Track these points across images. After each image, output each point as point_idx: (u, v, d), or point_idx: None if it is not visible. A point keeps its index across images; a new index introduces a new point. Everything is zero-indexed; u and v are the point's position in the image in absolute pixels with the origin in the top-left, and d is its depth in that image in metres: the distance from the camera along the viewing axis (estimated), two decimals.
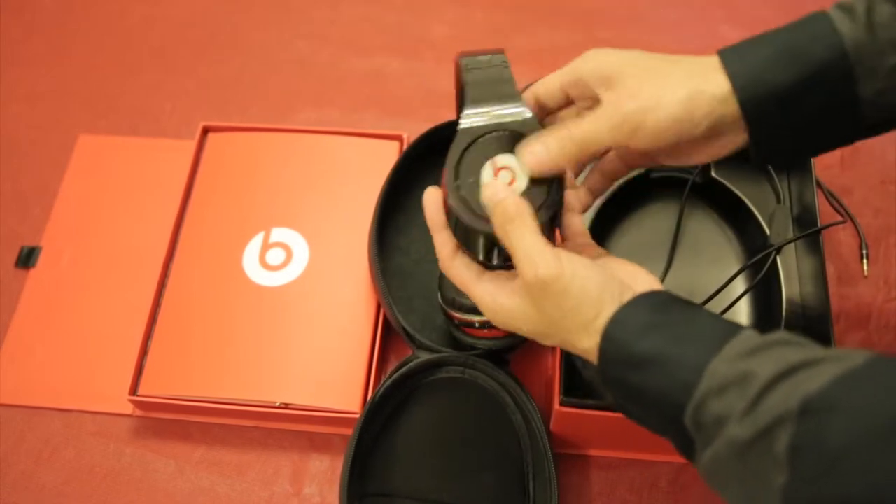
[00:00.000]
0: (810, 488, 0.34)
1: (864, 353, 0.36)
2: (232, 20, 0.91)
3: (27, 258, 0.77)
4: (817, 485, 0.33)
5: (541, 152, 0.45)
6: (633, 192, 0.72)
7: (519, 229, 0.43)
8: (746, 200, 0.70)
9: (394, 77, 0.86)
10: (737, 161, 0.70)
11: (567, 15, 0.89)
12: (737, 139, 0.46)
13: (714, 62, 0.45)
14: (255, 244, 0.72)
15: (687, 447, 0.41)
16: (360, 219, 0.73)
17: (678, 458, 0.65)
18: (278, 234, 0.73)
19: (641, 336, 0.42)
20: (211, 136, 0.79)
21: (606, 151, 0.53)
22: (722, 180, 0.71)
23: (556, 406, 0.59)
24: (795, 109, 0.44)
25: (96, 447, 0.68)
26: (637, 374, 0.42)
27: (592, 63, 0.47)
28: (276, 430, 0.68)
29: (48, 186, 0.81)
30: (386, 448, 0.63)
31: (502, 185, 0.45)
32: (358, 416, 0.64)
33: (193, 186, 0.76)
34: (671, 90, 0.44)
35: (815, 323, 0.64)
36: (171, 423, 0.69)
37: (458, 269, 0.48)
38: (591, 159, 0.51)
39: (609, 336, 0.42)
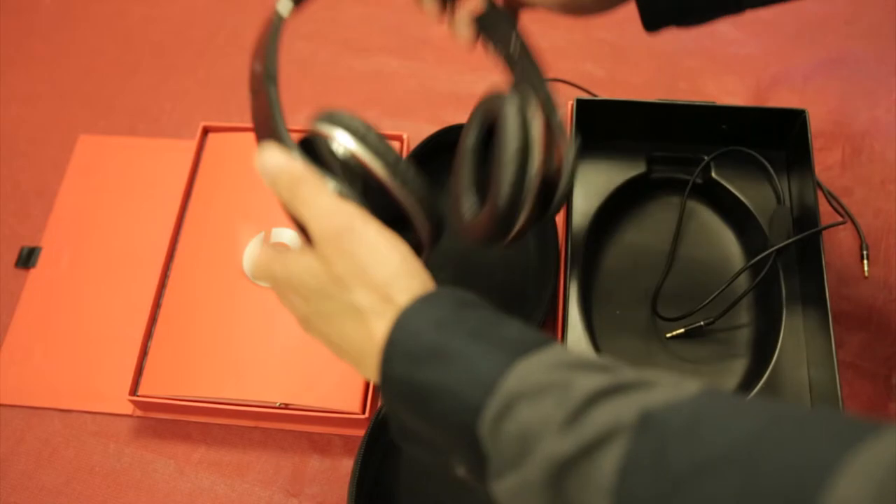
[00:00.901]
0: None
1: (699, 384, 0.33)
2: (232, 20, 0.91)
3: (27, 258, 0.77)
4: None
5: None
6: (633, 192, 0.72)
7: (311, 187, 0.42)
8: (746, 201, 0.70)
9: (394, 77, 0.86)
10: (737, 162, 0.71)
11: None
12: None
13: None
14: (255, 244, 0.72)
15: (477, 465, 0.35)
16: None
17: None
18: (278, 234, 0.73)
19: (439, 328, 0.36)
20: (211, 136, 0.79)
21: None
22: (722, 181, 0.71)
23: None
24: None
25: (96, 447, 0.68)
26: (425, 370, 0.35)
27: None
28: (276, 430, 0.68)
29: (48, 186, 0.81)
30: (389, 479, 0.62)
31: (279, 152, 0.44)
32: (358, 415, 0.64)
33: (193, 186, 0.76)
34: None
35: (815, 324, 0.64)
36: (171, 423, 0.69)
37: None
38: None
39: (401, 324, 0.37)
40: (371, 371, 0.39)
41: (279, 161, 0.44)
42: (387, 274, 0.40)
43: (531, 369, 0.34)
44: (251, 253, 0.48)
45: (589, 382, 0.32)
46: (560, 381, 0.33)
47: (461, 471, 0.37)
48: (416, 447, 0.40)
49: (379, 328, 0.39)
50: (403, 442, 0.40)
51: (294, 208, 0.43)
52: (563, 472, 0.31)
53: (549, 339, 0.37)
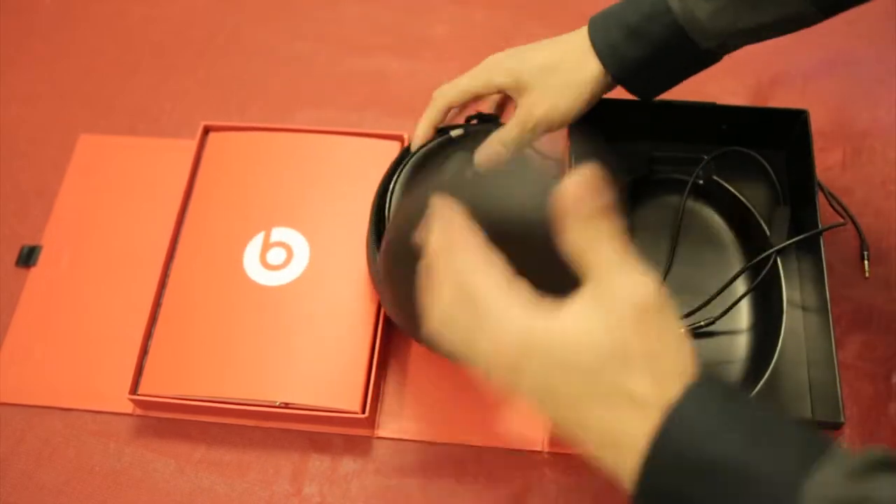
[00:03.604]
0: None
1: None
2: (232, 20, 0.91)
3: (27, 258, 0.77)
4: None
5: (500, 151, 0.63)
6: (634, 193, 0.72)
7: (608, 227, 0.35)
8: (746, 201, 0.70)
9: (394, 77, 0.86)
10: (737, 162, 0.71)
11: (567, 15, 0.88)
12: (608, 89, 0.63)
13: (586, 47, 0.61)
14: (255, 244, 0.72)
15: None
16: (360, 218, 0.73)
17: None
18: (279, 233, 0.73)
19: (712, 438, 0.32)
20: (211, 135, 0.79)
21: None
22: (722, 181, 0.71)
23: None
24: (654, 68, 0.60)
25: (96, 447, 0.68)
26: (702, 487, 0.32)
27: (503, 72, 0.63)
28: (276, 430, 0.68)
29: (48, 186, 0.81)
30: None
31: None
32: (358, 415, 0.64)
33: (193, 186, 0.76)
34: (562, 94, 0.62)
35: (815, 324, 0.64)
36: (171, 423, 0.69)
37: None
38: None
39: (664, 433, 0.32)
40: (621, 468, 0.34)
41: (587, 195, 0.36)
42: (679, 365, 0.34)
43: (826, 484, 0.30)
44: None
45: (882, 496, 0.30)
46: (859, 499, 0.30)
47: None
48: None
49: (646, 423, 0.33)
50: None
51: (575, 243, 0.35)
52: None
53: (818, 437, 0.33)
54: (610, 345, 0.33)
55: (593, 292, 0.34)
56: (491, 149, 0.63)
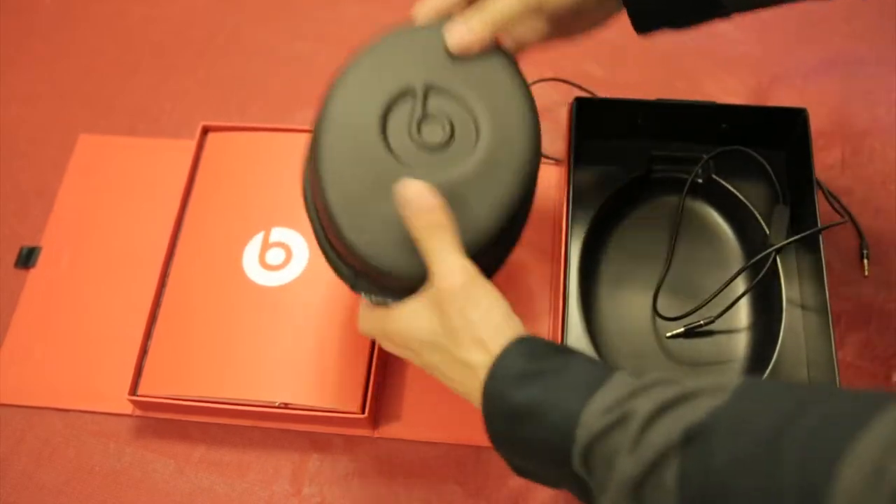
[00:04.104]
0: None
1: (736, 380, 0.38)
2: (232, 20, 0.91)
3: (27, 258, 0.77)
4: None
5: (465, 31, 0.51)
6: (633, 192, 0.72)
7: (443, 236, 0.46)
8: (746, 201, 0.70)
9: None
10: (737, 161, 0.71)
11: None
12: (615, 5, 0.53)
13: None
14: (255, 244, 0.72)
15: (586, 494, 0.42)
16: None
17: None
18: (278, 233, 0.73)
19: (518, 386, 0.42)
20: (211, 136, 0.79)
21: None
22: (722, 181, 0.71)
23: None
24: None
25: (96, 447, 0.68)
26: (520, 428, 0.42)
27: None
28: (276, 430, 0.68)
29: (48, 186, 0.81)
30: None
31: (425, 189, 0.46)
32: (358, 415, 0.64)
33: (193, 186, 0.76)
34: None
35: (815, 324, 0.64)
36: (170, 423, 0.69)
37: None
38: (506, 28, 0.52)
39: (487, 391, 0.43)
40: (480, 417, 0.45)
41: (425, 200, 0.46)
42: (491, 331, 0.45)
43: (595, 409, 0.40)
44: (361, 311, 0.54)
45: (641, 408, 0.38)
46: (621, 414, 0.38)
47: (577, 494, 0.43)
48: (536, 480, 0.46)
49: (477, 381, 0.44)
50: (523, 476, 0.47)
51: (421, 247, 0.46)
52: (639, 488, 0.37)
53: (606, 373, 0.42)
54: (439, 324, 0.46)
55: (425, 285, 0.47)
56: (457, 29, 0.51)
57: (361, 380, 0.66)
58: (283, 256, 0.71)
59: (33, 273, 0.76)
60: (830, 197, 0.73)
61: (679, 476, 0.35)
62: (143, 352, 0.69)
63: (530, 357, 0.43)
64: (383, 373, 0.69)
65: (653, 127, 0.72)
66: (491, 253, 0.50)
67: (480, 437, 0.66)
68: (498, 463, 0.65)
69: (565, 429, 0.40)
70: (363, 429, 0.67)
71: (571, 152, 0.69)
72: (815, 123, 0.69)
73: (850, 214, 0.74)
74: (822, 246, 0.64)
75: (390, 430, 0.67)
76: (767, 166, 0.70)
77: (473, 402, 0.46)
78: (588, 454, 0.39)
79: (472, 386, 0.45)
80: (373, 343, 0.67)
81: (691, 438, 0.36)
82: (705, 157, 0.71)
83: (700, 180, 0.72)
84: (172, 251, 0.73)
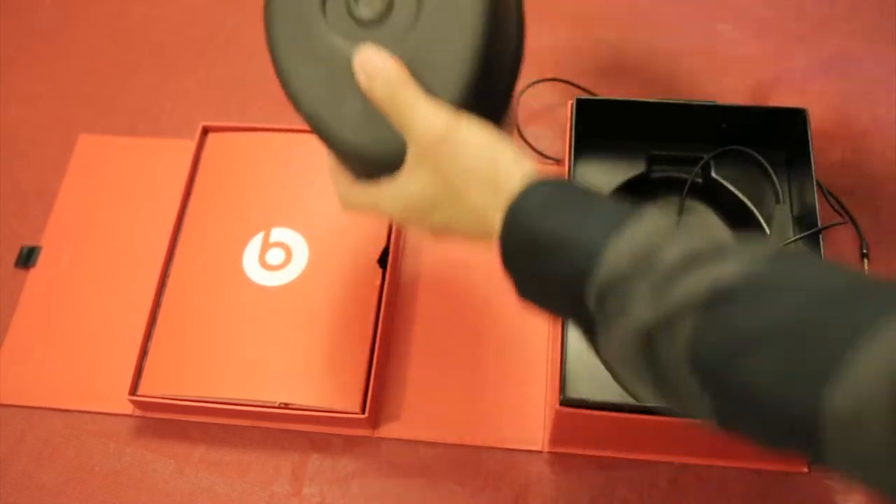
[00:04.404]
0: (713, 377, 0.34)
1: (772, 248, 0.36)
2: (232, 20, 0.91)
3: (27, 258, 0.77)
4: (718, 374, 0.34)
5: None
6: (633, 192, 0.72)
7: (408, 91, 0.43)
8: (746, 200, 0.70)
9: None
10: (737, 161, 0.71)
11: (567, 15, 0.89)
12: None
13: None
14: (255, 244, 0.72)
15: (591, 332, 0.41)
16: (360, 219, 0.73)
17: (678, 458, 0.65)
18: (278, 234, 0.73)
19: (541, 217, 0.40)
20: (211, 136, 0.79)
21: None
22: (722, 180, 0.71)
23: (557, 406, 0.59)
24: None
25: (96, 447, 0.68)
26: (539, 262, 0.41)
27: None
28: (276, 430, 0.68)
29: (48, 186, 0.81)
30: None
31: (377, 51, 0.44)
32: (358, 415, 0.64)
33: (193, 186, 0.76)
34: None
35: None
36: (171, 423, 0.69)
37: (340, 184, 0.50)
38: None
39: (508, 221, 0.41)
40: (494, 249, 0.43)
41: (379, 62, 0.44)
42: (494, 166, 0.42)
43: (628, 245, 0.38)
44: (340, 190, 0.51)
45: (672, 253, 0.36)
46: (650, 255, 0.37)
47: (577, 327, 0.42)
48: (540, 308, 0.44)
49: (497, 219, 0.42)
50: (528, 302, 0.44)
51: (391, 113, 0.44)
52: (649, 339, 0.36)
53: (641, 208, 0.40)
54: (432, 183, 0.44)
55: (409, 147, 0.44)
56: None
57: (361, 380, 0.66)
58: (283, 256, 0.71)
59: (33, 273, 0.76)
60: (830, 197, 0.73)
61: (693, 335, 0.34)
62: (143, 352, 0.69)
63: (554, 190, 0.41)
64: (383, 373, 0.70)
65: (653, 127, 0.72)
66: (482, 106, 0.46)
67: (480, 437, 0.66)
68: (498, 463, 0.66)
69: (586, 265, 0.38)
70: (363, 429, 0.67)
71: (571, 152, 0.69)
72: (815, 124, 0.69)
73: (849, 214, 0.74)
74: (822, 246, 0.64)
75: (390, 430, 0.67)
76: (767, 166, 0.70)
77: (490, 244, 0.43)
78: (605, 295, 0.38)
79: (488, 226, 0.43)
80: (373, 343, 0.68)
81: (715, 300, 0.34)
82: (705, 157, 0.71)
83: (700, 180, 0.72)
84: (172, 251, 0.73)
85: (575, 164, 0.69)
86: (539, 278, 0.41)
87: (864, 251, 0.72)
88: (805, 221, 0.67)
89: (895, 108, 0.80)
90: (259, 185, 0.76)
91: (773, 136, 0.71)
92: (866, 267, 0.72)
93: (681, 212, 0.71)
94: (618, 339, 0.38)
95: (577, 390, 0.62)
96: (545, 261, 0.40)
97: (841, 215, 0.72)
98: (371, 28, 0.46)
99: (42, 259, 0.77)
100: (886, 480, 0.30)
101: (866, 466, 0.30)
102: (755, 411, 0.34)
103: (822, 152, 0.77)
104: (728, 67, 0.85)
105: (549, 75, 0.83)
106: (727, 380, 0.34)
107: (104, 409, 0.69)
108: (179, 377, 0.67)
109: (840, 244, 0.73)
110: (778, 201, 0.69)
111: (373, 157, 0.47)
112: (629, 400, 0.62)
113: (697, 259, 0.36)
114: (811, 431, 0.31)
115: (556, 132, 0.80)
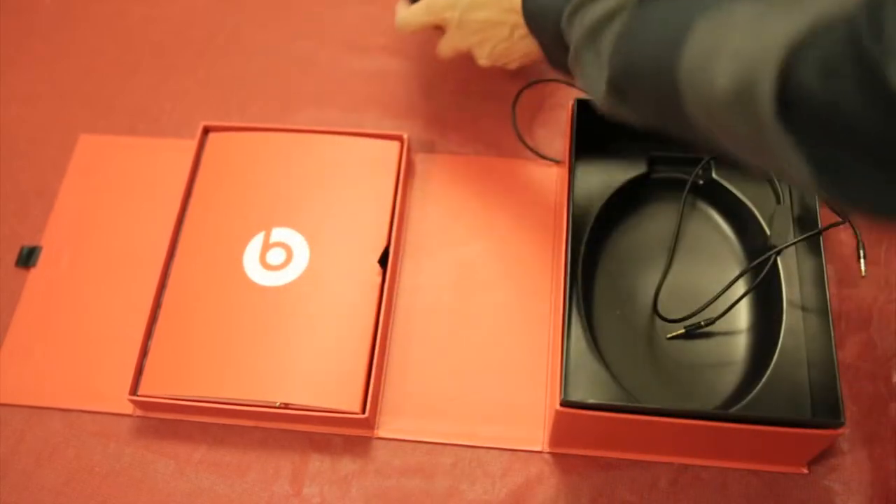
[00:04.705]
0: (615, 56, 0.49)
1: None
2: (232, 20, 0.91)
3: (27, 258, 0.77)
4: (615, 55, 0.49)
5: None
6: (633, 192, 0.72)
7: None
8: (747, 201, 0.70)
9: (394, 77, 0.86)
10: (737, 161, 0.71)
11: None
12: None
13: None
14: (255, 244, 0.72)
15: (563, 54, 0.56)
16: (360, 219, 0.73)
17: (678, 458, 0.65)
18: (278, 234, 0.73)
19: None
20: (211, 136, 0.79)
21: None
22: (722, 181, 0.71)
23: (557, 406, 0.59)
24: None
25: (96, 447, 0.68)
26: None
27: None
28: (276, 430, 0.68)
29: (48, 186, 0.81)
30: None
31: None
32: (358, 415, 0.64)
33: (193, 186, 0.76)
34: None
35: (815, 324, 0.64)
36: (171, 423, 0.69)
37: None
38: None
39: None
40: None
41: None
42: None
43: None
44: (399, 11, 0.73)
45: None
46: None
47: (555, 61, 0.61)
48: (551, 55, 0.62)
49: None
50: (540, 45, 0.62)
51: None
52: (595, 33, 0.51)
53: None
54: None
55: None
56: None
57: (361, 380, 0.66)
58: (284, 256, 0.71)
59: (33, 273, 0.76)
60: None
61: (621, 26, 0.48)
62: (144, 352, 0.69)
63: None
64: (383, 373, 0.70)
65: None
66: None
67: (480, 438, 0.66)
68: (498, 463, 0.66)
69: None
70: (363, 429, 0.67)
71: (571, 152, 0.69)
72: None
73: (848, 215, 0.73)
74: (822, 247, 0.64)
75: (390, 430, 0.67)
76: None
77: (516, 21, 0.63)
78: (571, 15, 0.53)
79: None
80: (373, 343, 0.68)
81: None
82: (705, 157, 0.71)
83: (700, 181, 0.72)
84: (173, 251, 0.73)
85: (575, 164, 0.69)
86: (540, 18, 0.59)
87: (861, 251, 0.72)
88: (805, 222, 0.67)
89: None
90: (259, 185, 0.76)
91: None
92: (863, 266, 0.72)
93: (681, 212, 0.71)
94: (575, 45, 0.53)
95: (577, 391, 0.62)
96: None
97: (840, 216, 0.72)
98: None
99: (42, 259, 0.77)
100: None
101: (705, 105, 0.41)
102: (640, 78, 0.47)
103: None
104: None
105: (550, 75, 0.83)
106: (621, 58, 0.49)
107: (104, 409, 0.69)
108: (179, 377, 0.67)
109: (840, 245, 0.73)
110: (778, 202, 0.69)
111: None
112: (629, 400, 0.62)
113: None
114: (675, 86, 0.43)
115: (557, 132, 0.81)
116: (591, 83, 0.52)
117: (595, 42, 0.51)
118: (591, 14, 0.51)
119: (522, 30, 0.63)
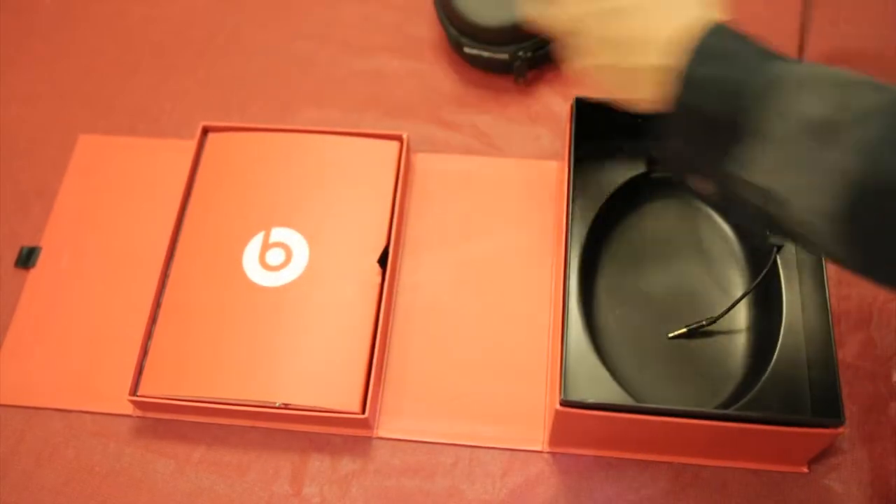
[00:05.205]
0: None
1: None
2: (232, 20, 0.91)
3: (27, 258, 0.77)
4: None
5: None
6: (633, 192, 0.72)
7: None
8: None
9: (394, 77, 0.86)
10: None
11: None
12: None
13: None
14: (255, 244, 0.72)
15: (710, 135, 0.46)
16: (360, 219, 0.73)
17: (678, 459, 0.65)
18: (278, 234, 0.73)
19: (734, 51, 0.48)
20: (211, 136, 0.79)
21: None
22: None
23: (556, 406, 0.59)
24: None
25: (96, 447, 0.68)
26: (723, 69, 0.47)
27: None
28: (276, 430, 0.68)
29: (48, 186, 0.81)
30: None
31: None
32: (358, 415, 0.64)
33: (193, 186, 0.76)
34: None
35: (815, 324, 0.64)
36: (171, 423, 0.69)
37: None
38: None
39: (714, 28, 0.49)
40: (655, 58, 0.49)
41: None
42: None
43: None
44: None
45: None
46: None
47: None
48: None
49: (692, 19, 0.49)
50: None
51: None
52: (830, 128, 0.41)
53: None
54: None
55: None
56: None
57: (361, 380, 0.66)
58: (283, 256, 0.71)
59: (33, 273, 0.76)
60: None
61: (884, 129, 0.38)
62: (144, 352, 0.69)
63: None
64: (383, 373, 0.70)
65: (653, 127, 0.72)
66: None
67: (480, 437, 0.66)
68: (498, 463, 0.66)
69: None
70: (363, 429, 0.67)
71: (571, 152, 0.69)
72: None
73: None
74: None
75: (390, 430, 0.67)
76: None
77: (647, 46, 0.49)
78: (766, 98, 0.44)
79: (671, 25, 0.49)
80: (372, 343, 0.68)
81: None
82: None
83: None
84: (172, 251, 0.73)
85: (575, 163, 0.69)
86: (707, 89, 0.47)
87: None
88: None
89: None
90: (259, 185, 0.76)
91: None
92: None
93: (682, 213, 0.71)
94: (782, 134, 0.42)
95: (577, 390, 0.62)
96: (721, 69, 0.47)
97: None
98: None
99: (42, 259, 0.77)
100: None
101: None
102: None
103: None
104: None
105: (554, 84, 0.83)
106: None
107: (104, 409, 0.69)
108: (179, 377, 0.67)
109: None
110: None
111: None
112: (629, 400, 0.62)
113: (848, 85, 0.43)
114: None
115: (557, 132, 0.81)
116: (796, 192, 0.42)
117: (824, 142, 0.40)
118: (827, 105, 0.40)
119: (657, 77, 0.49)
